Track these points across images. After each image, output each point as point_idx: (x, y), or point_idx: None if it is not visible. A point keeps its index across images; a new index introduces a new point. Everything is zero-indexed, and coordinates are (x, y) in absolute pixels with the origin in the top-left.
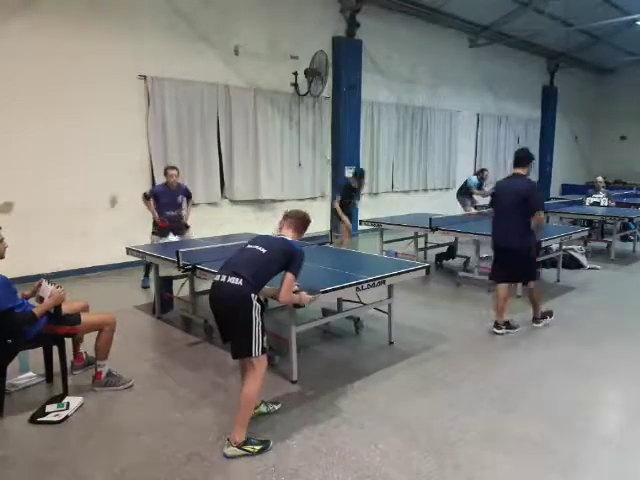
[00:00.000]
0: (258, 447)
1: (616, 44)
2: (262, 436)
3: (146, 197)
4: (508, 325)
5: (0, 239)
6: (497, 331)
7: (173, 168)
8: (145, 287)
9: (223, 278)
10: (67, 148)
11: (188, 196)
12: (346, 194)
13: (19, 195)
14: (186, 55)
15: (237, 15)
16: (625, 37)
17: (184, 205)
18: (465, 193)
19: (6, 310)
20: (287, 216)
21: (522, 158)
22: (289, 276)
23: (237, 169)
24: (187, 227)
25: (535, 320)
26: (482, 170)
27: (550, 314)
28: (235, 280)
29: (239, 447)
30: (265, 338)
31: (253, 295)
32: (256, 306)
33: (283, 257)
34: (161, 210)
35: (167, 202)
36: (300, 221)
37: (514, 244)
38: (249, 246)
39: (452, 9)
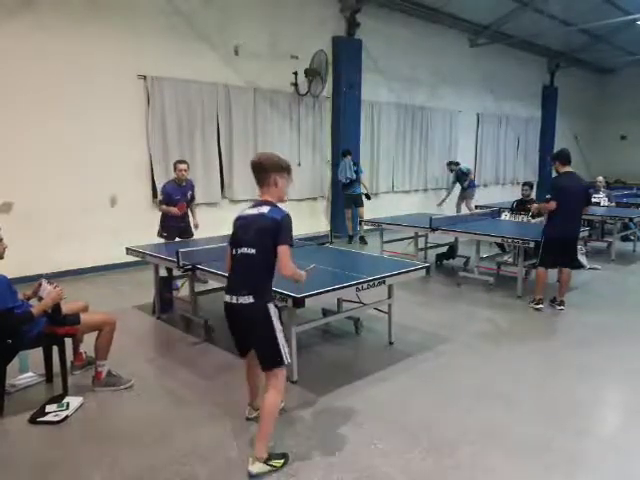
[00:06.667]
0: (281, 461)
1: (616, 44)
2: None
3: (161, 203)
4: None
5: None
6: (560, 307)
7: (183, 162)
8: (175, 289)
9: None
10: (67, 148)
11: (194, 194)
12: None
13: (19, 195)
14: (186, 55)
15: (237, 15)
16: (625, 37)
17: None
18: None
19: (6, 310)
20: None
21: (569, 155)
22: None
23: (237, 169)
24: (197, 227)
25: (560, 303)
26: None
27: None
28: None
29: (265, 463)
30: None
31: None
32: None
33: None
34: (175, 206)
35: (179, 199)
36: None
37: (578, 233)
38: None
39: (452, 9)
